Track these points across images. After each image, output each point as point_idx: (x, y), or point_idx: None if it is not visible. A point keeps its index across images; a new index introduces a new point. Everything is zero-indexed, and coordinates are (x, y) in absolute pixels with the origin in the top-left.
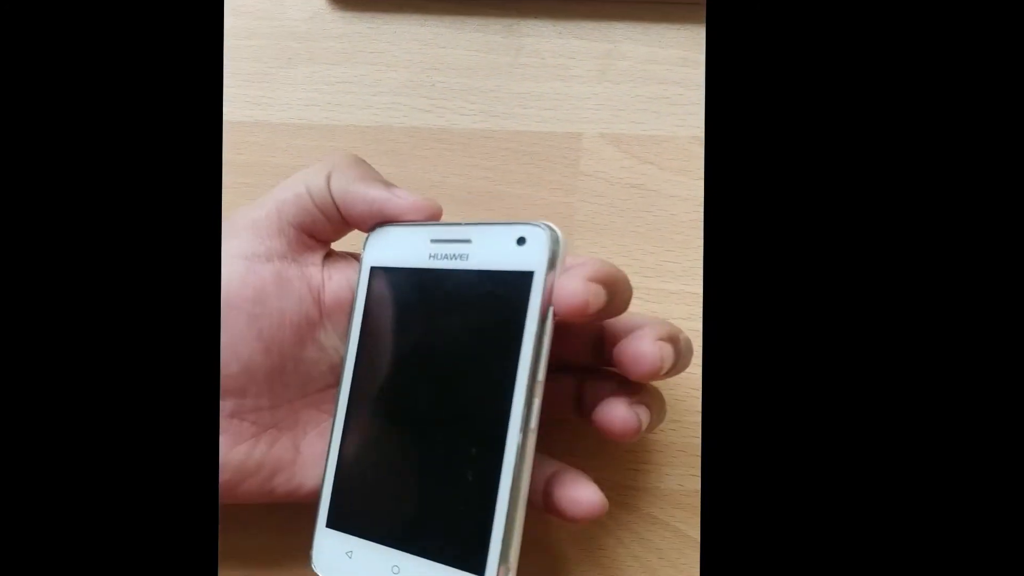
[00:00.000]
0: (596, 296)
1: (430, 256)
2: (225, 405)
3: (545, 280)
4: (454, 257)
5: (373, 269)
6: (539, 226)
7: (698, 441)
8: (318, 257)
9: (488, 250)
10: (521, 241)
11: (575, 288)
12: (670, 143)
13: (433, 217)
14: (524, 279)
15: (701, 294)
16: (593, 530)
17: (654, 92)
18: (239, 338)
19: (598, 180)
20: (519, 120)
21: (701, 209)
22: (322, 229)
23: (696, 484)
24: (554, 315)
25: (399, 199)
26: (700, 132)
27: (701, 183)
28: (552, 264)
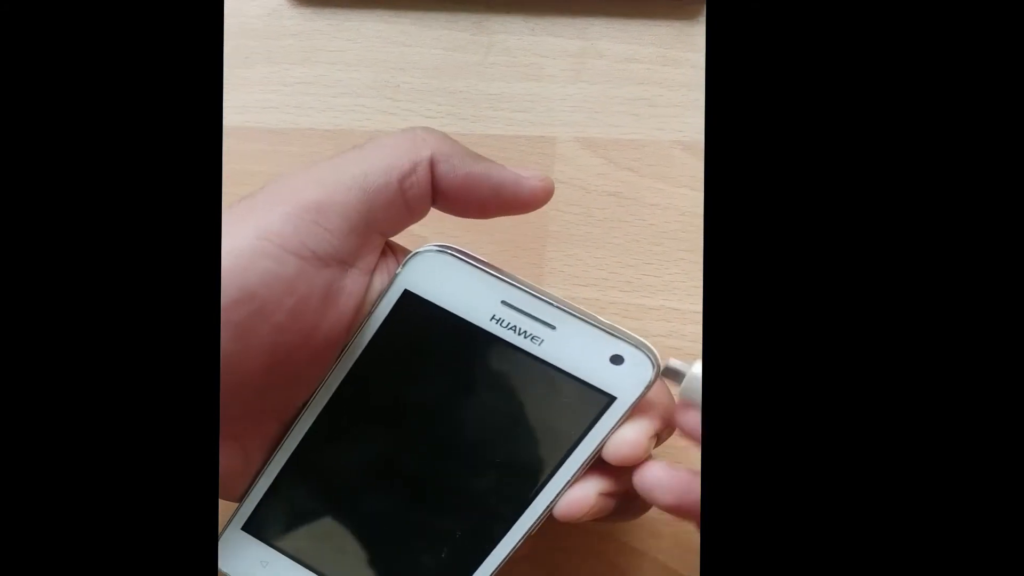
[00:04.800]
0: (646, 452)
1: (493, 318)
2: None
3: (626, 411)
4: (525, 335)
5: (408, 294)
6: (642, 350)
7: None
8: (374, 258)
9: (572, 349)
10: (617, 360)
11: (636, 443)
12: (650, 148)
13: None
14: (603, 400)
15: (682, 309)
16: (569, 561)
17: (633, 93)
18: (250, 351)
19: (573, 188)
20: (488, 123)
21: (683, 219)
22: (398, 224)
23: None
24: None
25: (531, 181)
26: (682, 136)
27: (683, 191)
28: (641, 398)
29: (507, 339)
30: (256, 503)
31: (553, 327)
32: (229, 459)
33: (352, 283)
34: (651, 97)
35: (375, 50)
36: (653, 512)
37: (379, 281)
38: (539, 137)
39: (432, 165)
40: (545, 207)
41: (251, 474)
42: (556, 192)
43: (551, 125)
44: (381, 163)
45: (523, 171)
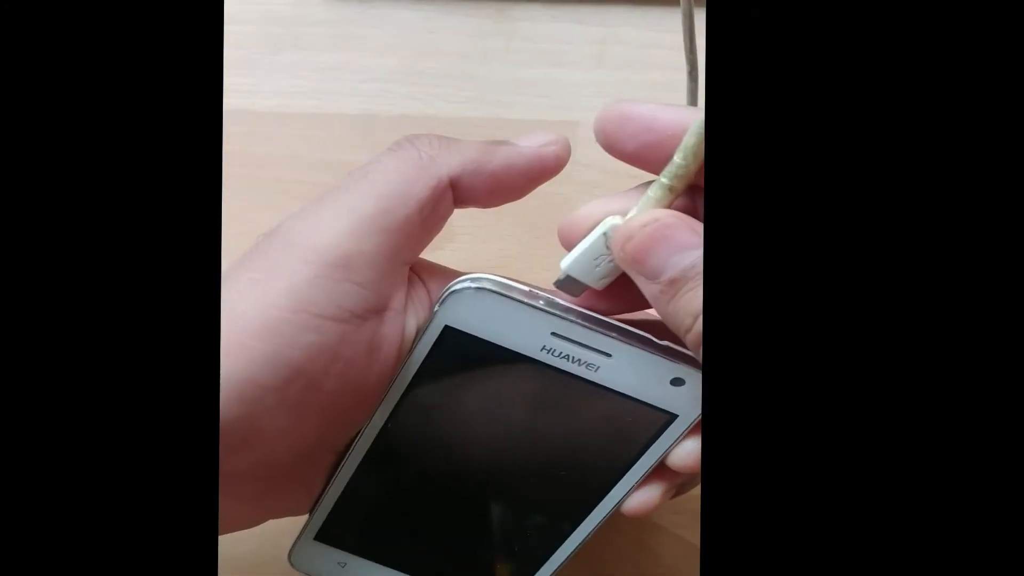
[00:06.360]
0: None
1: (544, 348)
2: (235, 476)
3: (688, 427)
4: (580, 363)
5: (449, 330)
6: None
7: None
8: (404, 291)
9: (630, 375)
10: (678, 382)
11: (695, 454)
12: None
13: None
14: (664, 418)
15: None
16: (594, 536)
17: (653, 79)
18: (305, 424)
19: (595, 170)
20: (511, 108)
21: None
22: (420, 248)
23: (699, 488)
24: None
25: (549, 148)
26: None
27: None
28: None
29: (561, 367)
30: (325, 516)
31: (609, 355)
32: (293, 493)
33: (390, 327)
34: (671, 82)
35: (401, 36)
36: None
37: (412, 317)
38: (561, 121)
39: (453, 183)
40: (568, 190)
41: (314, 495)
42: (580, 176)
43: (573, 110)
44: (395, 197)
45: (534, 141)
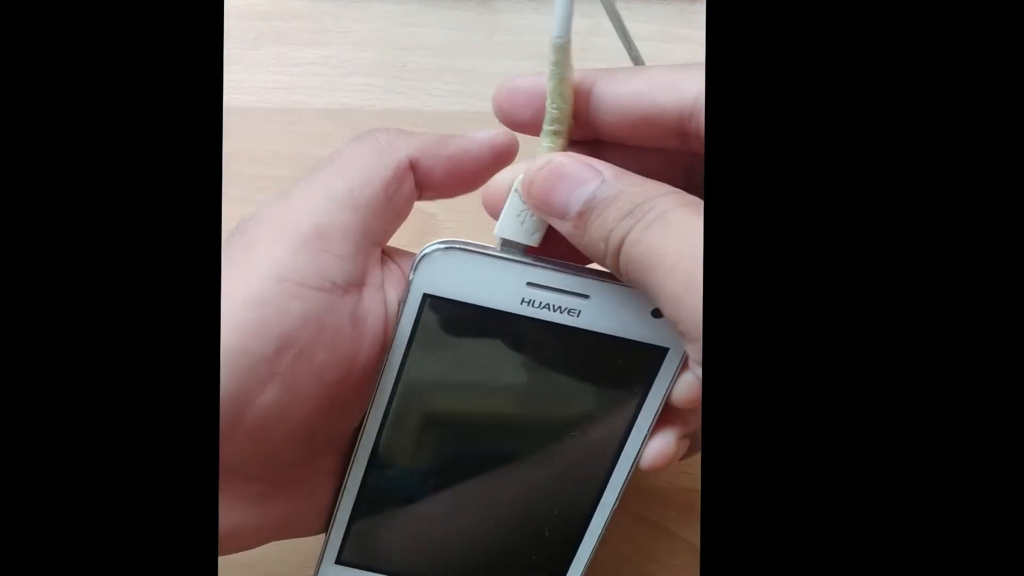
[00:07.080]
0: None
1: (523, 301)
2: (235, 471)
3: (683, 358)
4: (560, 310)
5: (429, 298)
6: None
7: None
8: (379, 271)
9: (611, 313)
10: (658, 313)
11: (695, 385)
12: None
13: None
14: (656, 353)
15: None
16: None
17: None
18: (299, 399)
19: None
20: None
21: None
22: (389, 231)
23: (688, 482)
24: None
25: (499, 138)
26: None
27: None
28: None
29: (543, 318)
30: (342, 535)
31: (586, 296)
32: (296, 501)
33: (371, 302)
34: None
35: (382, 30)
36: (670, 484)
37: (392, 291)
38: None
39: (413, 165)
40: None
41: (321, 508)
42: None
43: None
44: (360, 175)
45: (484, 133)
